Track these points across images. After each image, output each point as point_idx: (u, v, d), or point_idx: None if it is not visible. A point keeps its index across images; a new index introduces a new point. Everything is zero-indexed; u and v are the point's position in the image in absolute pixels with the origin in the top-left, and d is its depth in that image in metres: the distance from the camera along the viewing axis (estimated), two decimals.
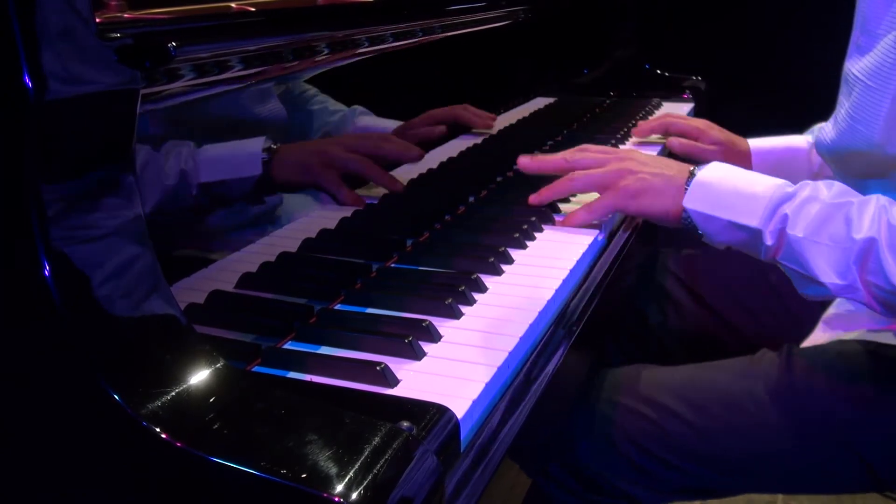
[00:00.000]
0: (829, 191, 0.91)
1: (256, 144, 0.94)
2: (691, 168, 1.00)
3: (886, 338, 1.02)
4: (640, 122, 1.56)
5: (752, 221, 0.92)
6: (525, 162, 1.10)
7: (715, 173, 0.97)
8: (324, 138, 1.08)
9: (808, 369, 1.03)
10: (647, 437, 1.04)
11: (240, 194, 0.94)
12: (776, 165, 1.33)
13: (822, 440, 1.00)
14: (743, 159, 1.36)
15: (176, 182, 0.83)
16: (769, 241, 0.91)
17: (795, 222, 0.89)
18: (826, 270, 0.87)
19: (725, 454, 1.03)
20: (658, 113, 1.81)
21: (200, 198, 0.86)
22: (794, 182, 0.95)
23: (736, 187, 0.94)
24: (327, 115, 1.09)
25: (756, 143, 1.37)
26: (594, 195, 1.05)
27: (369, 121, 1.15)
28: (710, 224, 0.95)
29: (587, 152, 1.07)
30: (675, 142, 1.42)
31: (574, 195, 1.12)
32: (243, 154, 0.93)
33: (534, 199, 1.07)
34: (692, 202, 0.96)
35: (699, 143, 1.42)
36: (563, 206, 1.12)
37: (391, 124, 1.21)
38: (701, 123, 1.44)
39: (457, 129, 1.43)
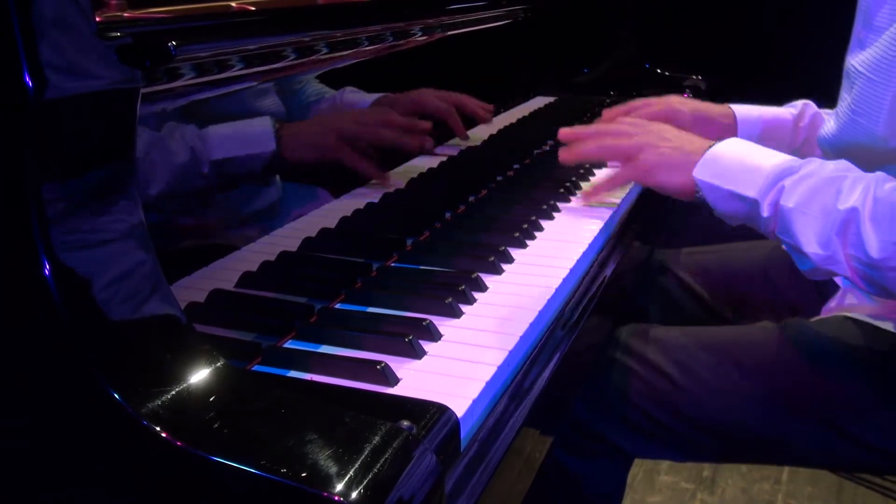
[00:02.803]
0: (833, 166, 0.91)
1: (265, 121, 0.96)
2: (711, 143, 1.02)
3: (885, 325, 1.02)
4: (606, 111, 1.38)
5: (751, 192, 0.94)
6: (565, 132, 1.16)
7: (728, 147, 1.00)
8: (329, 115, 1.09)
9: (796, 342, 1.04)
10: (635, 392, 1.06)
11: (250, 172, 0.94)
12: (762, 135, 1.31)
13: (803, 412, 1.01)
14: (723, 130, 1.32)
15: (186, 159, 0.83)
16: (766, 213, 0.93)
17: (790, 194, 0.90)
18: (810, 240, 0.88)
19: (708, 417, 1.04)
20: None
21: (211, 177, 0.87)
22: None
23: (742, 160, 0.97)
24: (321, 104, 1.09)
25: (742, 111, 1.33)
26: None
27: (356, 97, 1.16)
28: (715, 194, 0.98)
29: (622, 124, 1.14)
30: None
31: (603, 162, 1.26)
32: (254, 130, 0.95)
33: (564, 156, 1.13)
34: (701, 172, 0.99)
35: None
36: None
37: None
38: (671, 103, 1.34)
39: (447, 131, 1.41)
